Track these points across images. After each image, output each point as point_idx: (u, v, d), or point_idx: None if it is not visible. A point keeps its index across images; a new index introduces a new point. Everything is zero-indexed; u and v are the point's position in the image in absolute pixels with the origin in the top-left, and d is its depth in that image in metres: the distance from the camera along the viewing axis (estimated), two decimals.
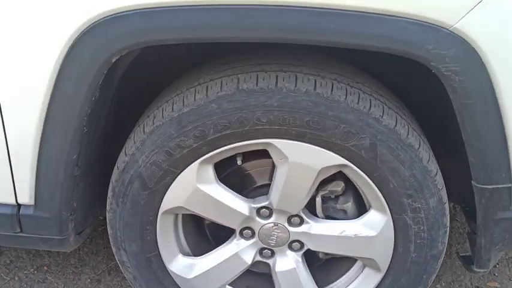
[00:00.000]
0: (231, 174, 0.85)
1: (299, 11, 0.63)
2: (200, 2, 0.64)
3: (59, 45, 0.67)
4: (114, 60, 0.68)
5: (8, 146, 0.76)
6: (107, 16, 0.65)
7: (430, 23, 0.63)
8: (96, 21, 0.65)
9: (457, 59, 0.65)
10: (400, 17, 0.63)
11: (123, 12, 0.65)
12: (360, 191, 0.81)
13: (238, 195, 0.82)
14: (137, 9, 0.64)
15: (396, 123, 0.73)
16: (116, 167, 0.81)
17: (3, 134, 0.75)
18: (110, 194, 0.82)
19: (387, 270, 0.84)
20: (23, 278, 1.15)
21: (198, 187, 0.78)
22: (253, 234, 0.85)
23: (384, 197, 0.77)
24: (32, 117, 0.73)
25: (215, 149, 0.75)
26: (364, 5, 0.62)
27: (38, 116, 0.73)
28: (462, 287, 1.14)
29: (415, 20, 0.63)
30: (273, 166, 0.79)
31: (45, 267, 1.18)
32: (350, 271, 0.89)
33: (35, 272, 1.17)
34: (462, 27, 0.63)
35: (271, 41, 0.69)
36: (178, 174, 0.77)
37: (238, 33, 0.67)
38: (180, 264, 0.88)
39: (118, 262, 0.89)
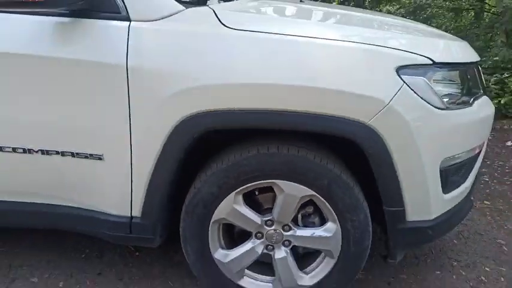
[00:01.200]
0: (252, 200, 1.48)
1: (290, 114, 1.29)
2: (239, 107, 1.29)
3: (168, 127, 1.32)
4: (195, 136, 1.34)
5: (132, 183, 1.41)
6: (193, 114, 1.30)
7: (356, 120, 1.28)
8: (188, 116, 1.30)
9: (370, 140, 1.31)
10: (340, 117, 1.28)
11: (200, 112, 1.31)
12: (322, 210, 1.44)
13: (255, 212, 1.44)
14: (208, 111, 1.30)
15: (341, 172, 1.38)
16: (187, 196, 1.44)
17: (130, 177, 1.40)
18: (183, 211, 1.45)
19: (338, 257, 1.45)
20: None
21: (233, 207, 1.41)
22: (262, 236, 1.47)
23: (336, 214, 1.41)
24: (148, 166, 1.37)
25: (243, 185, 1.39)
26: (325, 111, 1.27)
27: (151, 165, 1.37)
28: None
29: (349, 118, 1.28)
30: (275, 195, 1.43)
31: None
32: (318, 259, 1.50)
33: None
34: (374, 123, 1.29)
35: (278, 127, 1.34)
36: (223, 199, 1.40)
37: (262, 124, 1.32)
38: (220, 254, 1.49)
39: (184, 252, 1.50)
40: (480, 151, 1.60)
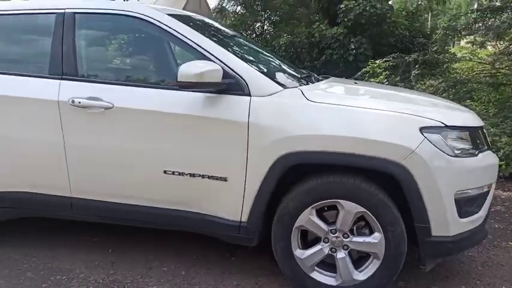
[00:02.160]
0: (321, 215, 2.15)
1: (350, 155, 2.00)
2: (315, 150, 2.03)
3: (271, 161, 2.07)
4: (286, 169, 2.08)
5: (244, 198, 2.14)
6: (286, 153, 2.04)
7: (394, 161, 1.97)
8: (283, 155, 2.04)
9: (403, 174, 1.98)
10: (385, 158, 1.97)
11: (291, 153, 2.06)
12: (371, 224, 2.08)
13: (324, 223, 2.11)
14: (295, 152, 2.05)
15: (384, 197, 2.04)
16: (278, 209, 2.14)
17: (243, 194, 2.14)
18: (275, 219, 2.14)
19: (382, 259, 2.06)
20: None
21: (309, 217, 2.09)
22: (328, 241, 2.12)
23: (381, 226, 2.04)
24: (255, 186, 2.10)
25: (317, 203, 2.07)
26: (375, 154, 1.97)
27: (258, 186, 2.10)
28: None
29: (390, 159, 1.97)
30: (337, 212, 2.10)
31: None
32: (368, 261, 2.11)
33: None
34: (406, 162, 1.97)
35: (342, 164, 2.05)
36: (303, 212, 2.09)
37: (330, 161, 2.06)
38: (298, 252, 2.14)
39: (273, 250, 2.18)
40: (489, 190, 2.19)
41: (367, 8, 9.50)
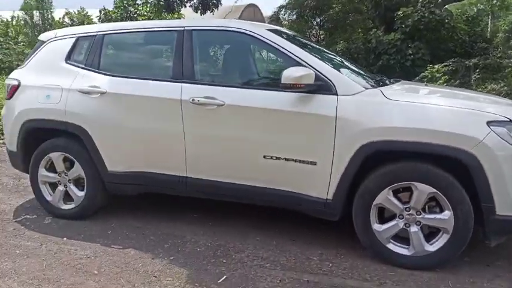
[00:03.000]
0: (398, 194, 2.54)
1: (426, 144, 2.38)
2: (391, 139, 2.44)
3: (355, 148, 2.48)
4: (367, 154, 2.49)
5: (330, 179, 2.59)
6: (368, 142, 2.46)
7: (464, 149, 2.32)
8: (365, 143, 2.46)
9: (472, 162, 2.33)
10: (456, 147, 2.32)
11: (371, 142, 2.46)
12: (441, 203, 2.44)
13: (399, 202, 2.51)
14: (375, 141, 2.45)
15: (453, 179, 2.39)
16: (359, 189, 2.56)
17: (329, 175, 2.59)
18: (356, 198, 2.56)
19: (451, 233, 2.42)
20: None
21: (387, 197, 2.49)
22: (402, 217, 2.51)
23: (450, 205, 2.40)
24: (341, 169, 2.53)
25: (394, 184, 2.47)
26: (448, 144, 2.33)
27: (343, 169, 2.52)
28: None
29: (460, 148, 2.33)
30: (410, 194, 2.48)
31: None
32: (439, 235, 2.47)
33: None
34: (474, 151, 2.32)
35: (417, 151, 2.44)
36: (381, 191, 2.50)
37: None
38: (376, 226, 2.55)
39: (354, 224, 2.60)
40: None
41: (426, 15, 9.63)
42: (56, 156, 3.26)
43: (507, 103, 2.84)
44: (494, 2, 12.39)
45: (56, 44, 3.36)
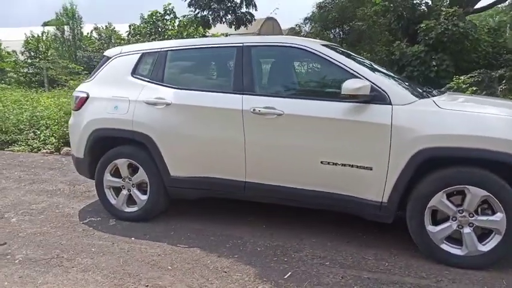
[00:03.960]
0: (451, 197, 2.71)
1: (476, 149, 2.56)
2: (443, 146, 2.62)
3: (410, 154, 2.68)
4: (422, 161, 2.68)
5: (386, 183, 2.77)
6: (422, 149, 2.65)
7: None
8: (419, 150, 2.66)
9: None
10: (505, 152, 2.49)
11: (425, 148, 2.64)
12: (493, 205, 2.60)
13: (452, 204, 2.67)
14: (429, 148, 2.63)
15: (504, 183, 2.55)
16: (413, 192, 2.73)
17: (385, 179, 2.78)
18: (411, 201, 2.73)
19: (504, 233, 2.57)
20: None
21: (441, 199, 2.67)
22: (456, 219, 2.67)
23: (502, 207, 2.56)
24: (396, 174, 2.71)
25: (448, 187, 2.64)
26: (498, 149, 2.50)
27: (398, 174, 2.71)
28: None
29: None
30: (464, 195, 2.65)
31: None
32: (491, 236, 2.63)
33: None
34: None
35: (469, 156, 2.62)
36: (435, 195, 2.67)
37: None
38: (430, 227, 2.72)
39: (409, 226, 2.77)
40: None
41: (449, 27, 9.78)
42: (122, 163, 3.52)
43: None
44: None
45: (122, 59, 3.66)
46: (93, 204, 4.10)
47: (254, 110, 3.05)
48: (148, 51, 3.58)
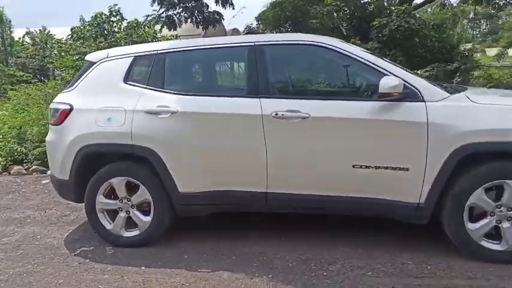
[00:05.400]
0: (490, 192, 2.65)
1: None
2: (479, 141, 2.55)
3: (448, 152, 2.58)
4: (461, 157, 2.59)
5: (423, 184, 2.66)
6: (460, 146, 2.56)
7: None
8: (458, 147, 2.58)
9: None
10: None
11: (463, 144, 2.56)
12: None
13: (490, 200, 2.62)
14: (468, 144, 2.54)
15: None
16: (453, 190, 2.63)
17: (422, 181, 2.66)
18: (450, 199, 2.63)
19: None
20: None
21: (480, 196, 2.61)
22: (494, 214, 2.63)
23: None
24: (434, 174, 2.60)
25: (487, 183, 2.58)
26: None
27: (436, 173, 2.61)
28: None
29: None
30: (501, 190, 2.61)
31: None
32: None
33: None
34: None
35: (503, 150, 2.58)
36: (475, 191, 2.60)
37: None
38: (469, 225, 2.64)
39: (447, 224, 2.68)
40: None
41: (402, 24, 10.17)
42: (118, 182, 3.08)
43: None
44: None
45: (110, 64, 3.21)
46: (77, 231, 3.58)
47: (276, 114, 2.78)
48: (142, 54, 3.17)
